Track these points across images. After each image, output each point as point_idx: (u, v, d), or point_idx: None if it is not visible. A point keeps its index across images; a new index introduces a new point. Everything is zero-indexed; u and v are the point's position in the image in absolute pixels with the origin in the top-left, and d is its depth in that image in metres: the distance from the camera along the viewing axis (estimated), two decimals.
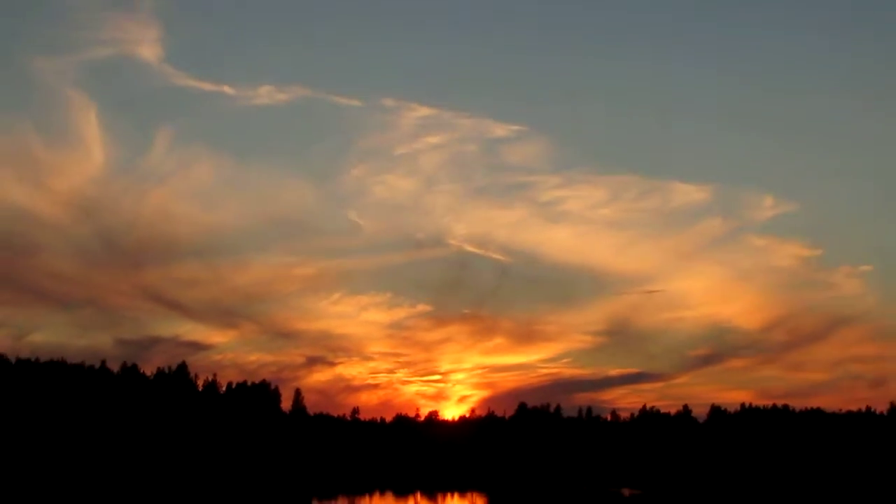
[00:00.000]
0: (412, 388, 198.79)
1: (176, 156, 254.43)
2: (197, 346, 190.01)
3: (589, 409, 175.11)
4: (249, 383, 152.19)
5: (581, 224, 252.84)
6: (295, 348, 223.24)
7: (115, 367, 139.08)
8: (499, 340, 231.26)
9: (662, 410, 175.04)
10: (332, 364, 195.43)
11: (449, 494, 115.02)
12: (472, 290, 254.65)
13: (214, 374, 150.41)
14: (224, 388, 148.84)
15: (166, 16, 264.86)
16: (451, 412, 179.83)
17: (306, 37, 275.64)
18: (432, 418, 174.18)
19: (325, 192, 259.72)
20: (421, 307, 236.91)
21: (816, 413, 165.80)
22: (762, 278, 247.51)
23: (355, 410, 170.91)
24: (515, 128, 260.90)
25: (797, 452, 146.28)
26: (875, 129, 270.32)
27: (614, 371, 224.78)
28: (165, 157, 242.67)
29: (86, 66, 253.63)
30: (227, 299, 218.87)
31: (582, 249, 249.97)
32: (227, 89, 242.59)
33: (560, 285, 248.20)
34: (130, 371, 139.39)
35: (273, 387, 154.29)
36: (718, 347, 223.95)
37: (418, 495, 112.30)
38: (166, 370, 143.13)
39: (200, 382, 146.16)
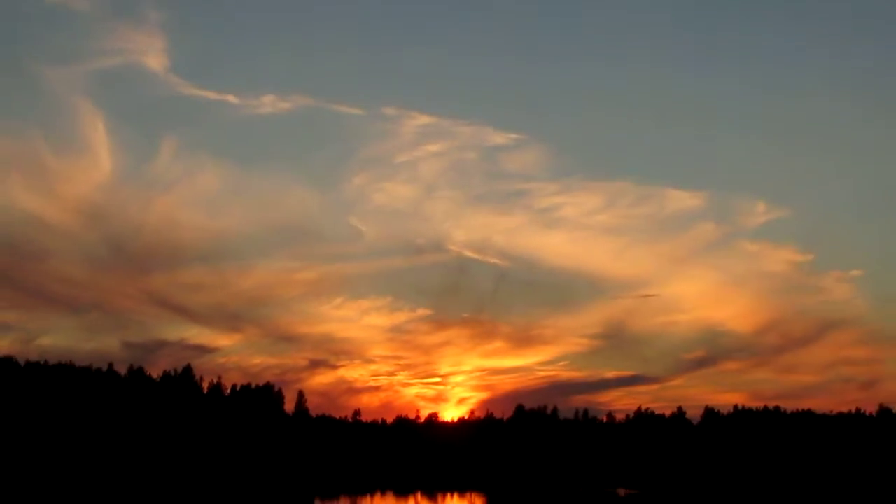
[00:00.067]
0: (412, 391, 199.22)
1: (181, 163, 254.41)
2: (202, 350, 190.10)
3: (585, 411, 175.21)
4: (253, 386, 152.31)
5: (577, 230, 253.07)
6: (298, 351, 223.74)
7: (122, 369, 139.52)
8: (497, 344, 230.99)
9: (657, 412, 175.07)
10: (334, 367, 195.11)
11: (448, 494, 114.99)
12: (472, 295, 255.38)
13: (219, 377, 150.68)
14: (228, 391, 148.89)
15: (172, 27, 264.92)
16: (450, 414, 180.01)
17: (308, 47, 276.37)
18: (432, 420, 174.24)
19: (327, 199, 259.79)
20: (421, 311, 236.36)
21: (808, 415, 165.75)
22: (755, 283, 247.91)
23: (357, 412, 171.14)
24: (514, 136, 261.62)
25: (789, 453, 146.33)
26: (866, 136, 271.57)
27: (610, 373, 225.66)
28: (171, 164, 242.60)
29: (93, 76, 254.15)
30: (231, 303, 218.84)
31: (578, 255, 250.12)
32: (231, 98, 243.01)
33: (557, 290, 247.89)
34: (137, 374, 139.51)
35: (276, 389, 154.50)
36: (712, 350, 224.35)
37: (418, 495, 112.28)
38: (172, 373, 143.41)
39: (205, 385, 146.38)
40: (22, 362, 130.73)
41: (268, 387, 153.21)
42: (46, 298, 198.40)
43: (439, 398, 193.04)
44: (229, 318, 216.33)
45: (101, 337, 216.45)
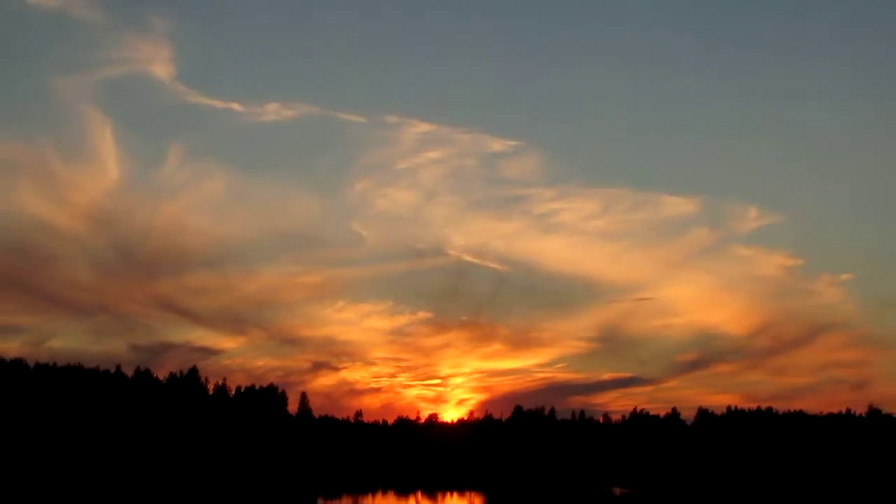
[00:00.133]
0: (413, 392, 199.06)
1: (187, 170, 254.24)
2: (207, 352, 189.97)
3: (582, 412, 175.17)
4: (257, 387, 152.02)
5: (575, 235, 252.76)
6: (301, 354, 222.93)
7: (129, 371, 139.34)
8: (496, 346, 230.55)
9: (652, 413, 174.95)
10: (336, 369, 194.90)
11: (448, 494, 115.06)
12: (471, 298, 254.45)
13: (224, 379, 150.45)
14: (233, 392, 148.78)
15: (178, 36, 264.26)
16: (450, 415, 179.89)
17: (311, 56, 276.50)
18: (432, 421, 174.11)
19: (329, 205, 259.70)
20: (421, 314, 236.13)
21: (799, 415, 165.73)
22: (747, 287, 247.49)
23: (358, 413, 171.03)
24: (512, 143, 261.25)
25: (781, 453, 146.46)
26: (858, 143, 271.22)
27: (606, 375, 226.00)
28: (177, 171, 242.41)
29: (102, 85, 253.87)
30: (236, 307, 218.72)
31: (575, 259, 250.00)
32: (236, 106, 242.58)
33: (555, 293, 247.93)
34: (144, 376, 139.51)
35: (280, 390, 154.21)
36: (706, 353, 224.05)
37: (419, 494, 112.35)
38: (178, 375, 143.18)
39: (211, 386, 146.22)
40: (32, 364, 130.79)
41: (271, 388, 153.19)
42: (56, 302, 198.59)
43: (439, 399, 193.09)
44: (234, 322, 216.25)
45: (109, 339, 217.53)
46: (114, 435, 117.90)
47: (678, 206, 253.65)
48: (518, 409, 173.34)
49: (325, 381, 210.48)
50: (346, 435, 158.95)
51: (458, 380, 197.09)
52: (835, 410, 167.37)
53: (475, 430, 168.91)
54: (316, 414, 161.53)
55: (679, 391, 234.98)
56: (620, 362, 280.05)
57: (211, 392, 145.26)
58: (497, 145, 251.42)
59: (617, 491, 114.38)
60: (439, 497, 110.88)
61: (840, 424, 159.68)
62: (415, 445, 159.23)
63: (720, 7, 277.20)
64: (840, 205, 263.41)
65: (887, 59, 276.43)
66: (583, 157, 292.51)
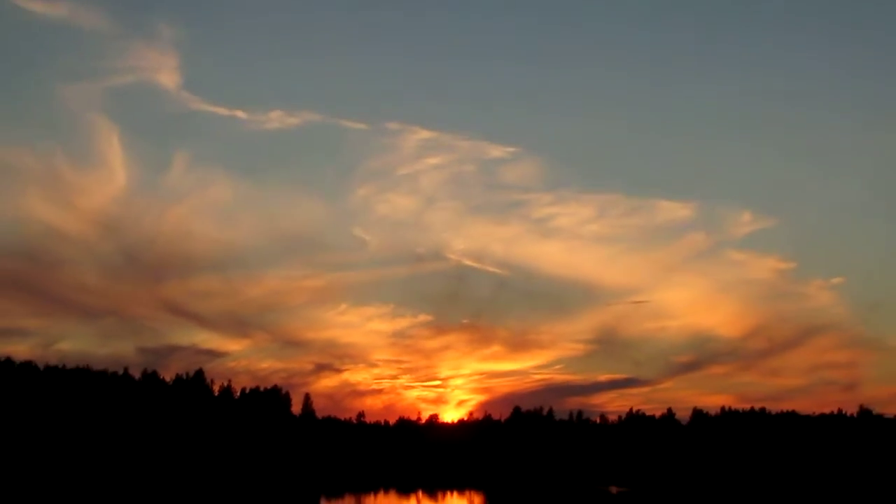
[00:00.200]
0: (414, 393, 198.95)
1: (193, 176, 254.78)
2: (213, 354, 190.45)
3: (579, 413, 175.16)
4: (262, 388, 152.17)
5: (572, 239, 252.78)
6: (304, 356, 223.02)
7: (136, 373, 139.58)
8: (495, 348, 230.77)
9: (648, 413, 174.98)
10: (338, 371, 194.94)
11: (448, 493, 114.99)
12: (470, 302, 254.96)
13: (229, 380, 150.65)
14: (238, 393, 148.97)
15: (184, 45, 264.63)
16: (450, 415, 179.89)
17: (314, 65, 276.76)
18: (433, 421, 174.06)
19: (332, 210, 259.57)
20: (422, 317, 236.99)
21: (792, 416, 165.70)
22: (741, 290, 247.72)
23: (361, 414, 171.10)
24: (510, 149, 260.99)
25: (774, 452, 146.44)
26: (849, 150, 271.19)
27: (603, 377, 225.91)
28: (183, 177, 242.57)
29: (109, 93, 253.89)
30: (240, 310, 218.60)
31: (573, 263, 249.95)
32: (240, 114, 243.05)
33: (552, 297, 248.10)
34: (151, 377, 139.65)
35: (284, 392, 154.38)
36: (700, 354, 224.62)
37: (420, 493, 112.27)
38: (184, 376, 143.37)
39: (216, 388, 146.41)
40: (41, 366, 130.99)
41: (275, 390, 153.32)
42: (64, 305, 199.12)
43: (439, 400, 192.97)
44: (239, 324, 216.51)
45: (117, 342, 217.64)
46: (122, 435, 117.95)
47: (673, 210, 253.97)
48: (517, 410, 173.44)
49: (327, 382, 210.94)
50: (348, 435, 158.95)
51: (458, 381, 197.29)
52: (826, 411, 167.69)
53: (475, 430, 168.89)
54: (319, 415, 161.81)
55: (674, 392, 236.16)
56: (617, 364, 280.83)
57: (216, 393, 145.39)
58: (496, 151, 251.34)
59: (614, 490, 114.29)
60: (440, 496, 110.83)
61: (832, 424, 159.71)
62: (416, 445, 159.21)
63: (715, 14, 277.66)
64: (832, 210, 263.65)
65: (881, 66, 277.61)
66: (580, 162, 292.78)
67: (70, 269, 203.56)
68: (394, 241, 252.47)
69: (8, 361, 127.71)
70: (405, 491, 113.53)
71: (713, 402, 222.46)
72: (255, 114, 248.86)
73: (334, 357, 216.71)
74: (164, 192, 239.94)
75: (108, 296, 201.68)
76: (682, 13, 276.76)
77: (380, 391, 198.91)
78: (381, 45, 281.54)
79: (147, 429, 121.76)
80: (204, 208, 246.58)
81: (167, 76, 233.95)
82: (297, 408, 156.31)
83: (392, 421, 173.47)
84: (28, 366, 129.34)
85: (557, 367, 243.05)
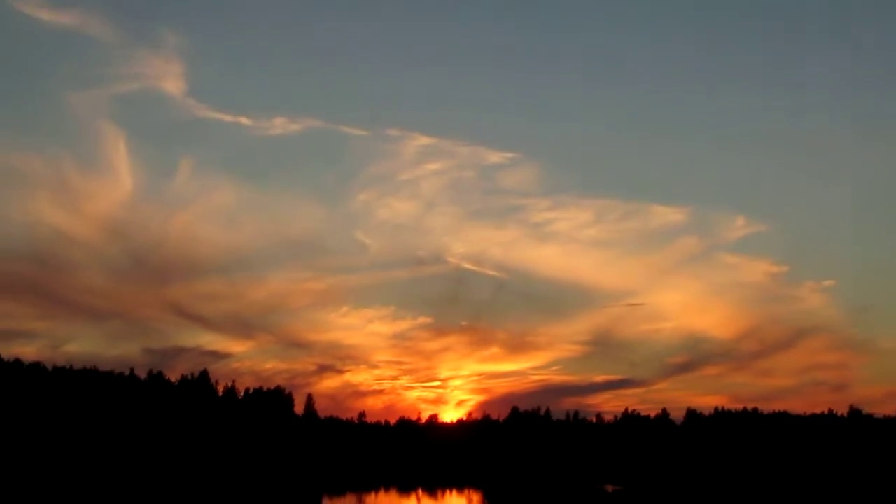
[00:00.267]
0: (414, 394, 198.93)
1: (198, 181, 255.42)
2: (217, 355, 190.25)
3: (576, 413, 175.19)
4: (265, 389, 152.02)
5: (569, 243, 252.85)
6: (307, 357, 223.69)
7: (142, 374, 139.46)
8: (494, 350, 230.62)
9: (643, 413, 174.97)
10: (340, 371, 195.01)
11: (448, 491, 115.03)
12: (470, 304, 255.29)
13: (233, 381, 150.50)
14: (242, 394, 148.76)
15: (188, 53, 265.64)
16: (449, 415, 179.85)
17: (316, 72, 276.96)
18: (433, 421, 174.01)
19: (334, 215, 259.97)
20: (422, 319, 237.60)
21: (783, 416, 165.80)
22: (734, 293, 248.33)
23: (362, 414, 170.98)
24: (509, 155, 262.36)
25: (766, 452, 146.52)
26: (840, 155, 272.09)
27: (599, 377, 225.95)
28: (188, 182, 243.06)
29: (115, 100, 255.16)
30: (244, 312, 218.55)
31: (569, 266, 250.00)
32: (244, 120, 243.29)
33: (550, 299, 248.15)
34: (156, 378, 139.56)
35: (287, 392, 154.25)
36: (694, 356, 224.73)
37: (420, 492, 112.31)
38: (189, 377, 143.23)
39: (220, 388, 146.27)
40: (49, 367, 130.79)
41: (279, 390, 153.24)
42: (72, 308, 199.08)
43: (439, 401, 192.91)
44: (243, 326, 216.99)
45: (123, 344, 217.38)
46: (128, 435, 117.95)
47: (668, 215, 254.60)
48: (515, 410, 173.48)
49: (329, 383, 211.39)
50: (350, 435, 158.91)
51: (458, 382, 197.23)
52: (817, 411, 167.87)
53: (474, 430, 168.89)
54: (321, 415, 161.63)
55: (669, 392, 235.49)
56: (613, 365, 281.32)
57: (221, 394, 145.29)
58: (494, 157, 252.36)
59: (609, 488, 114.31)
60: (440, 494, 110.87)
61: (822, 424, 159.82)
62: (416, 445, 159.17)
63: (709, 23, 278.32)
64: (823, 215, 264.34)
65: (871, 74, 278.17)
66: (576, 168, 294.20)
67: (78, 273, 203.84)
68: (394, 245, 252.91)
69: (17, 362, 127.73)
70: (406, 489, 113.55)
71: (707, 402, 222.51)
72: (258, 120, 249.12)
73: (336, 358, 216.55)
74: (170, 196, 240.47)
75: (114, 298, 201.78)
76: (678, 22, 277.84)
77: (381, 392, 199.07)
78: (381, 53, 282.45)
79: (153, 428, 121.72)
80: (209, 213, 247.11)
81: (172, 83, 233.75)
82: (299, 408, 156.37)
83: (393, 421, 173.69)
84: (36, 367, 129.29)
85: (555, 368, 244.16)
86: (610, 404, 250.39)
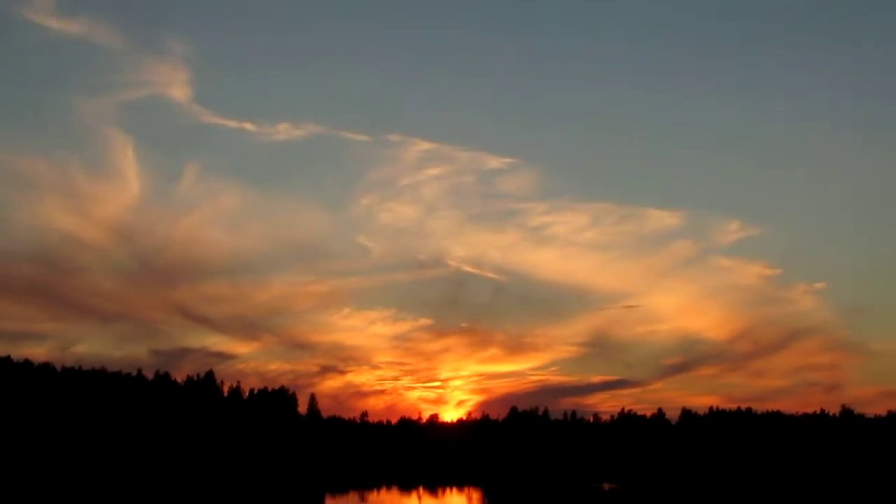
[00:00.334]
0: (415, 394, 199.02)
1: (203, 186, 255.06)
2: (223, 356, 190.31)
3: (573, 412, 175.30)
4: (269, 389, 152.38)
5: (566, 247, 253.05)
6: (310, 358, 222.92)
7: (149, 374, 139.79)
8: (493, 351, 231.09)
9: (639, 413, 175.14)
10: (343, 372, 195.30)
11: (448, 489, 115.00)
12: (469, 306, 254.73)
13: (238, 382, 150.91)
14: (247, 394, 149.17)
15: (194, 61, 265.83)
16: (450, 415, 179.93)
17: (319, 79, 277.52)
18: (433, 421, 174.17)
19: (337, 219, 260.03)
20: (423, 321, 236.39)
21: (776, 415, 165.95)
22: (728, 295, 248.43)
23: (364, 414, 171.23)
24: (508, 160, 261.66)
25: (759, 451, 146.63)
26: (831, 160, 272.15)
27: (596, 378, 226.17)
28: (194, 187, 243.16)
29: (123, 106, 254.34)
30: (249, 314, 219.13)
31: (567, 269, 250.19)
32: (248, 126, 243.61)
33: (548, 301, 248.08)
34: (163, 379, 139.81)
35: (290, 393, 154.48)
36: (689, 357, 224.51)
37: (421, 490, 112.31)
38: (195, 378, 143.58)
39: (225, 389, 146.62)
40: (59, 368, 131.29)
41: (282, 390, 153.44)
42: (80, 310, 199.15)
43: (440, 401, 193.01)
44: (247, 328, 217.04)
45: (131, 345, 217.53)
46: (135, 434, 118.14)
47: (663, 219, 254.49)
48: (514, 410, 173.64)
49: (332, 383, 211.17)
50: (352, 434, 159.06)
51: (458, 382, 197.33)
52: (810, 411, 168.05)
53: (473, 429, 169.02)
54: (324, 414, 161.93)
55: (664, 392, 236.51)
56: (609, 366, 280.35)
57: (226, 394, 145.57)
58: (493, 162, 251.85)
59: (606, 486, 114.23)
60: (440, 492, 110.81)
61: (815, 424, 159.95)
62: (417, 444, 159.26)
63: (703, 28, 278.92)
64: (815, 218, 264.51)
65: (865, 78, 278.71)
66: (574, 173, 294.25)
67: (86, 276, 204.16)
68: (396, 249, 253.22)
69: (27, 363, 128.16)
70: (407, 487, 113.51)
71: (701, 402, 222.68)
72: (262, 126, 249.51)
73: (339, 359, 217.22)
74: (176, 201, 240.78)
75: (122, 301, 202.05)
76: (674, 29, 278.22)
77: (382, 392, 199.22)
78: (383, 60, 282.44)
79: (159, 428, 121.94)
80: (214, 217, 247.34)
81: (178, 90, 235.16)
82: (303, 408, 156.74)
83: (394, 420, 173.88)
84: (46, 367, 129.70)
85: (552, 368, 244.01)
86: (607, 404, 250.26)
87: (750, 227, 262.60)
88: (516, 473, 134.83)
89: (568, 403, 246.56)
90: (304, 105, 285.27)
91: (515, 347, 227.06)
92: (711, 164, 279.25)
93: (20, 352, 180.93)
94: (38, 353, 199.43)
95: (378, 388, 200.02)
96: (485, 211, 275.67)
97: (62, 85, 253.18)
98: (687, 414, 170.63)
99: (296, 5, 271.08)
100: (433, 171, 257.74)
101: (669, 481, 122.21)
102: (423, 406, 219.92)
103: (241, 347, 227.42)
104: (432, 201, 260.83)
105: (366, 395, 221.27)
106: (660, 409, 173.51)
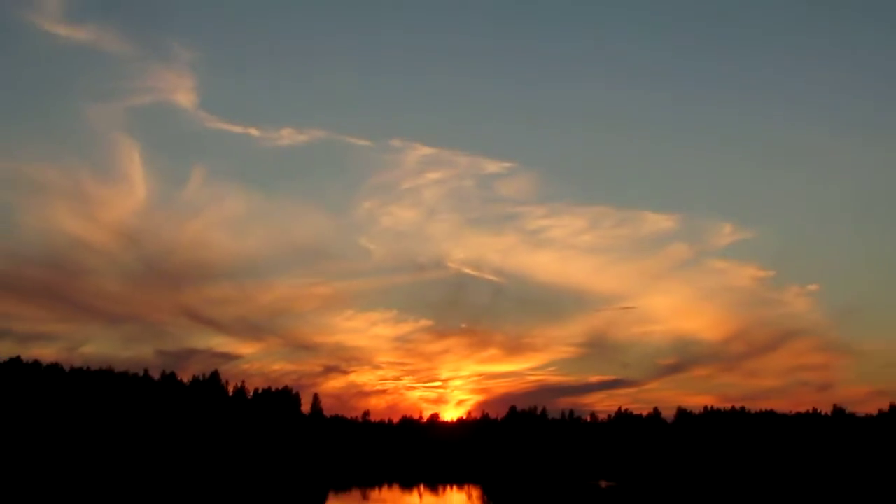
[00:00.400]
0: (416, 394, 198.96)
1: (209, 190, 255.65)
2: (227, 357, 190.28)
3: (571, 412, 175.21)
4: (273, 389, 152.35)
5: (564, 249, 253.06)
6: (313, 358, 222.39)
7: (155, 375, 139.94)
8: (492, 351, 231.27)
9: (635, 412, 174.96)
10: (345, 372, 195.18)
11: (448, 487, 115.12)
12: (469, 308, 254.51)
13: (243, 382, 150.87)
14: (251, 394, 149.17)
15: (200, 67, 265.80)
16: (450, 414, 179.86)
17: (322, 85, 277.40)
18: (434, 420, 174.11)
19: (339, 222, 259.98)
20: (423, 322, 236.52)
21: (770, 415, 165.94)
22: (722, 297, 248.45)
23: (366, 413, 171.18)
24: (506, 164, 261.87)
25: (753, 449, 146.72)
26: (825, 163, 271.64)
27: (593, 378, 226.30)
28: (200, 191, 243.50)
29: (130, 112, 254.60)
30: (253, 316, 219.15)
31: (565, 272, 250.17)
32: (253, 131, 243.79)
33: (546, 303, 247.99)
34: (169, 379, 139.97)
35: (294, 392, 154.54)
36: (684, 357, 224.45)
37: (421, 487, 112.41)
38: (201, 378, 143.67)
39: (230, 389, 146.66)
40: (67, 368, 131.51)
41: (286, 390, 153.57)
42: (88, 312, 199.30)
43: (440, 400, 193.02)
44: (252, 329, 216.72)
45: (137, 346, 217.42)
46: (141, 433, 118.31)
47: (658, 222, 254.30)
48: (513, 409, 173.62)
49: (335, 383, 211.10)
50: (354, 433, 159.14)
51: (458, 382, 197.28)
52: (802, 410, 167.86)
53: (473, 428, 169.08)
54: (327, 414, 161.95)
55: (660, 392, 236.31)
56: (606, 366, 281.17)
57: (231, 394, 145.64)
58: (493, 167, 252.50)
59: (603, 484, 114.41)
60: (440, 490, 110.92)
61: (807, 423, 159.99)
62: (418, 443, 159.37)
63: (699, 31, 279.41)
64: (808, 221, 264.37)
65: (860, 81, 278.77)
66: (572, 177, 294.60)
67: (94, 278, 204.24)
68: (397, 251, 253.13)
69: (36, 364, 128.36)
70: (408, 485, 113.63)
71: (696, 401, 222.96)
72: (266, 131, 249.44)
73: (341, 360, 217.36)
74: (182, 205, 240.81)
75: (129, 302, 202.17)
76: (672, 32, 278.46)
77: (384, 392, 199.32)
78: (384, 66, 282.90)
79: (165, 427, 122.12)
80: (219, 220, 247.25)
81: (184, 96, 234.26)
82: (306, 407, 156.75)
83: (395, 420, 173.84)
84: (55, 368, 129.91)
85: (551, 369, 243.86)
86: (604, 404, 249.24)
87: (743, 229, 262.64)
88: (515, 471, 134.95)
89: (566, 403, 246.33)
90: (307, 111, 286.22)
91: (514, 348, 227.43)
92: (706, 168, 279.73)
93: (29, 352, 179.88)
94: (46, 353, 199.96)
95: (380, 388, 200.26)
96: (484, 214, 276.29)
97: (70, 91, 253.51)
98: (682, 413, 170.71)
99: (299, 13, 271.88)
100: (433, 176, 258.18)
101: (665, 479, 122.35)
102: (424, 406, 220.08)
103: (245, 348, 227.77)
104: (433, 205, 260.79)
105: (368, 394, 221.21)
106: (656, 409, 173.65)
